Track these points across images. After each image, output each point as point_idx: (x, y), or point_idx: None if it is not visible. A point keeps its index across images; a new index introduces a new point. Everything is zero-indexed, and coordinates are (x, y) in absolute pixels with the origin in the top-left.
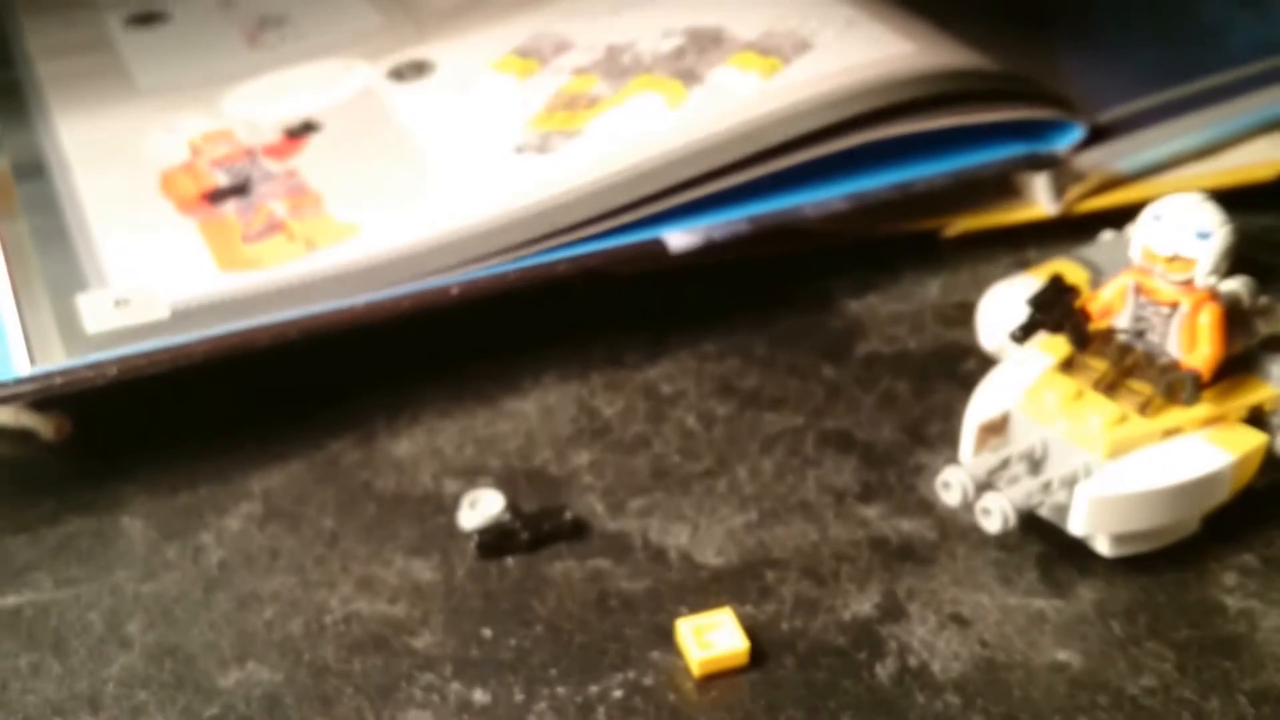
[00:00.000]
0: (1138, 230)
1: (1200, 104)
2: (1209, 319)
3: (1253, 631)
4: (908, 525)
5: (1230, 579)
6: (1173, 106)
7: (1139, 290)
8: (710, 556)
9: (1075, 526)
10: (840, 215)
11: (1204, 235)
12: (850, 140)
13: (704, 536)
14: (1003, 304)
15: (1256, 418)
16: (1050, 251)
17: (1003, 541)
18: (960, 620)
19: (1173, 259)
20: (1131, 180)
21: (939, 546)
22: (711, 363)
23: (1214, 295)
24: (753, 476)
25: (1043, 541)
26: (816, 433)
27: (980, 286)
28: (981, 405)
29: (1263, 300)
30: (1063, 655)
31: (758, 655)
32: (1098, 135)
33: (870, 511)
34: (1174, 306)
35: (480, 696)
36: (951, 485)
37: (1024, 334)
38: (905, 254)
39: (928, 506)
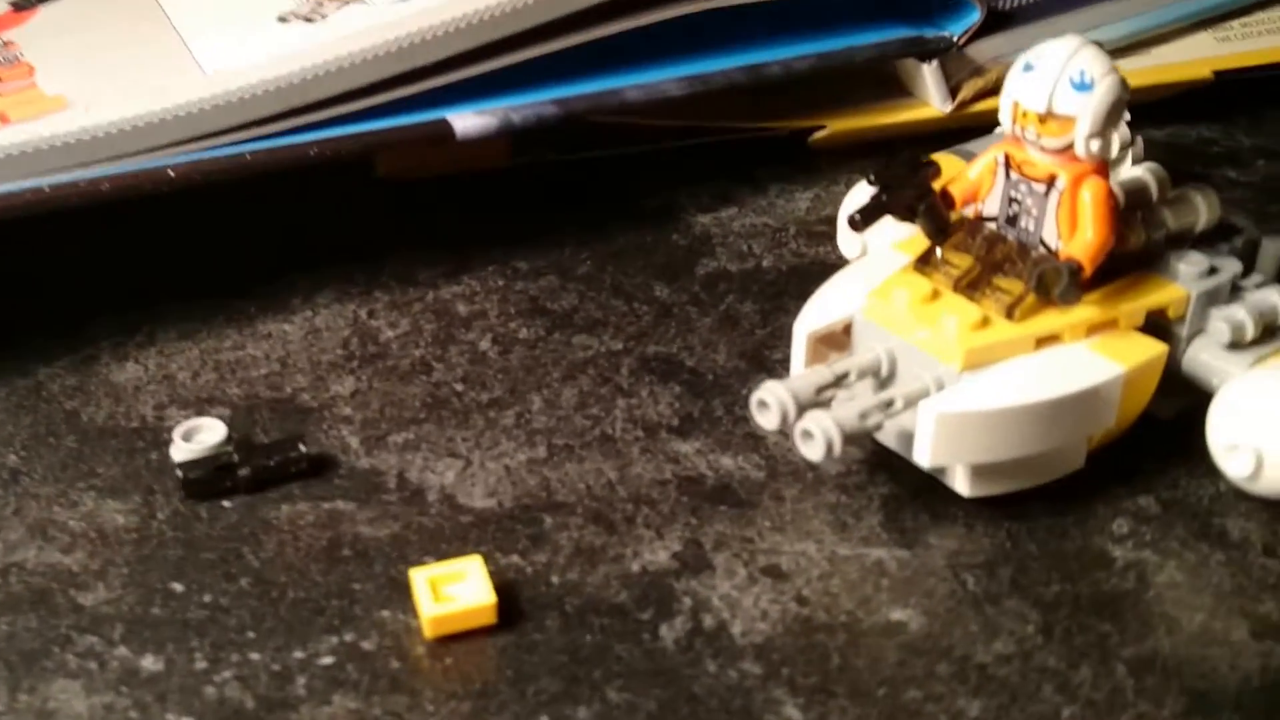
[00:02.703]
0: (1006, 83)
1: None
2: (1092, 195)
3: (1141, 588)
4: (729, 462)
5: (1121, 525)
6: None
7: (1009, 164)
8: (478, 498)
9: (920, 455)
10: (677, 104)
11: (1083, 87)
12: (675, 9)
13: (475, 475)
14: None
15: (1157, 325)
16: None
17: (843, 481)
18: (776, 573)
19: (1046, 117)
20: None
21: (764, 487)
22: (523, 281)
23: (1100, 168)
24: (549, 407)
25: (894, 481)
26: (635, 359)
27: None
28: (816, 311)
29: (1174, 192)
30: (899, 615)
31: (513, 613)
32: (999, 21)
33: (686, 447)
34: (1050, 182)
35: (150, 663)
36: (768, 404)
37: (865, 218)
38: (771, 162)
39: (756, 441)
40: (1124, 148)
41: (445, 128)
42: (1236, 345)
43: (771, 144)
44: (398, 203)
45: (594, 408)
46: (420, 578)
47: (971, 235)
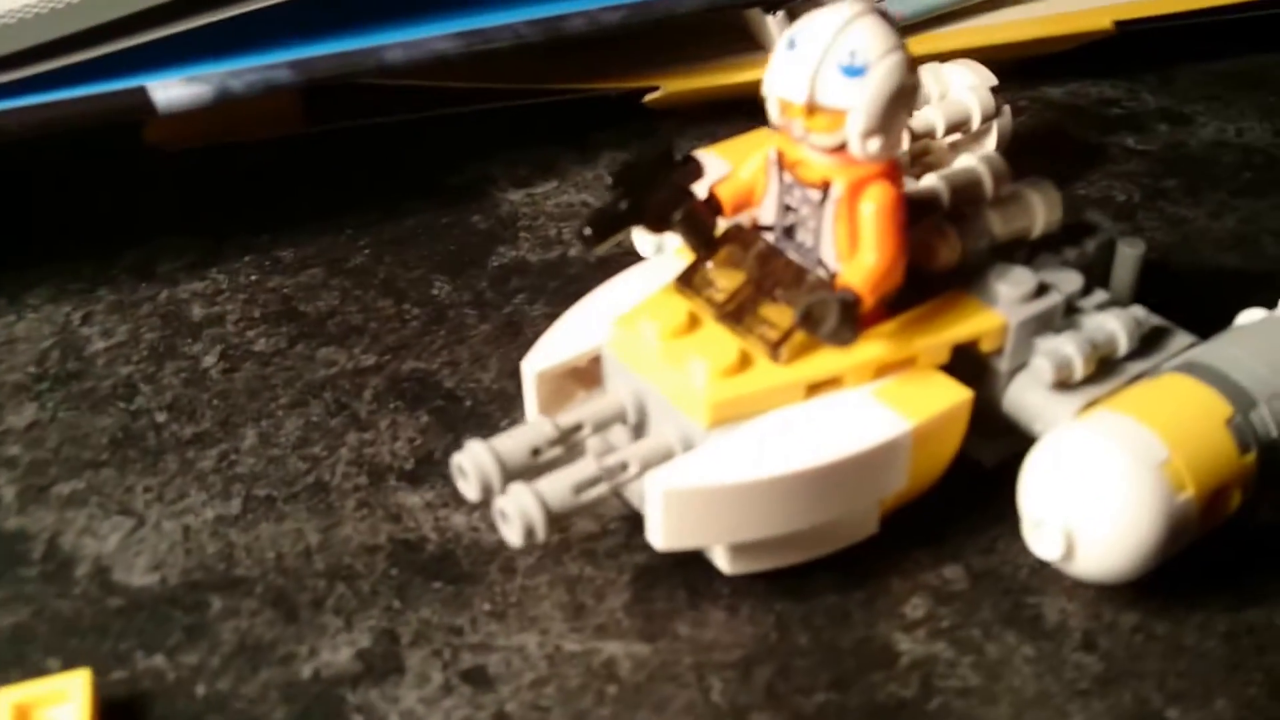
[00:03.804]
0: (770, 63)
1: None
2: (875, 208)
3: (924, 697)
4: (461, 521)
5: (917, 607)
6: None
7: (782, 164)
8: (138, 573)
9: (653, 535)
10: (454, 63)
11: (853, 71)
12: None
13: (143, 541)
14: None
15: (970, 360)
16: None
17: (593, 546)
18: (480, 679)
19: (812, 110)
20: (910, 30)
21: (494, 555)
22: (280, 275)
23: (888, 170)
24: (262, 445)
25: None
26: (386, 379)
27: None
28: (552, 344)
29: (1008, 188)
30: None
31: None
32: None
33: (415, 499)
34: (825, 189)
35: None
36: (466, 471)
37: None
38: (607, 125)
39: None
40: (988, 119)
41: (142, 98)
42: (1065, 385)
43: (603, 105)
44: (158, 176)
45: (317, 445)
46: (6, 701)
47: (744, 248)
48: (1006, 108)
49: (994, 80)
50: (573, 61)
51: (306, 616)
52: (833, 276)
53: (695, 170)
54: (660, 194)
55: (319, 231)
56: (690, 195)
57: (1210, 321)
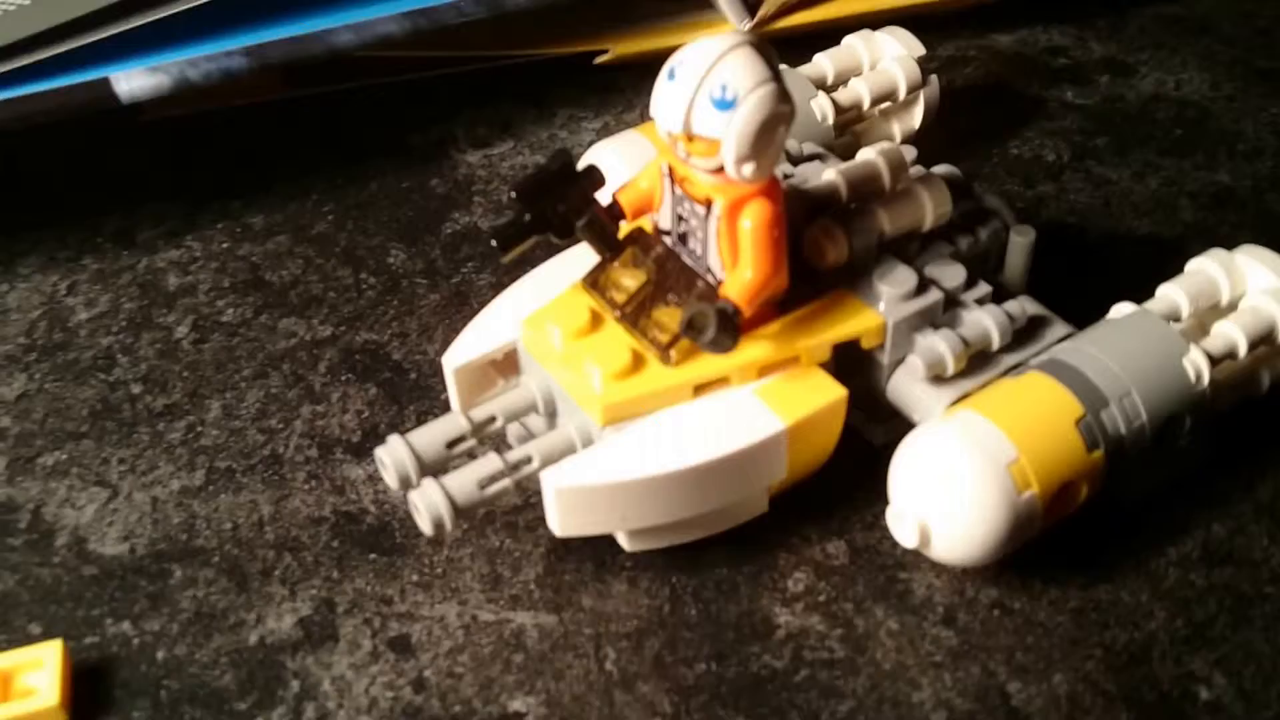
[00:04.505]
0: (654, 90)
1: None
2: (751, 225)
3: (792, 669)
4: (399, 493)
5: (798, 581)
6: None
7: (673, 177)
8: (110, 542)
9: (552, 524)
10: (400, 42)
11: (724, 105)
12: None
13: (117, 511)
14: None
15: (855, 356)
16: None
17: (514, 519)
18: (403, 646)
19: (690, 138)
20: None
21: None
22: (250, 243)
23: (767, 188)
24: (225, 417)
25: None
26: (340, 350)
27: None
28: (470, 340)
29: (914, 171)
30: (518, 705)
31: (101, 700)
32: None
33: (359, 471)
34: (709, 205)
35: None
36: (386, 464)
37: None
38: (566, 83)
39: None
40: (914, 89)
41: (105, 90)
42: (939, 378)
43: (567, 61)
44: (141, 140)
45: (274, 417)
46: None
47: (645, 251)
48: (933, 78)
49: (921, 50)
50: (526, 26)
51: (256, 585)
52: (719, 284)
53: (596, 179)
54: (563, 204)
55: (289, 196)
56: (593, 203)
57: (1116, 295)
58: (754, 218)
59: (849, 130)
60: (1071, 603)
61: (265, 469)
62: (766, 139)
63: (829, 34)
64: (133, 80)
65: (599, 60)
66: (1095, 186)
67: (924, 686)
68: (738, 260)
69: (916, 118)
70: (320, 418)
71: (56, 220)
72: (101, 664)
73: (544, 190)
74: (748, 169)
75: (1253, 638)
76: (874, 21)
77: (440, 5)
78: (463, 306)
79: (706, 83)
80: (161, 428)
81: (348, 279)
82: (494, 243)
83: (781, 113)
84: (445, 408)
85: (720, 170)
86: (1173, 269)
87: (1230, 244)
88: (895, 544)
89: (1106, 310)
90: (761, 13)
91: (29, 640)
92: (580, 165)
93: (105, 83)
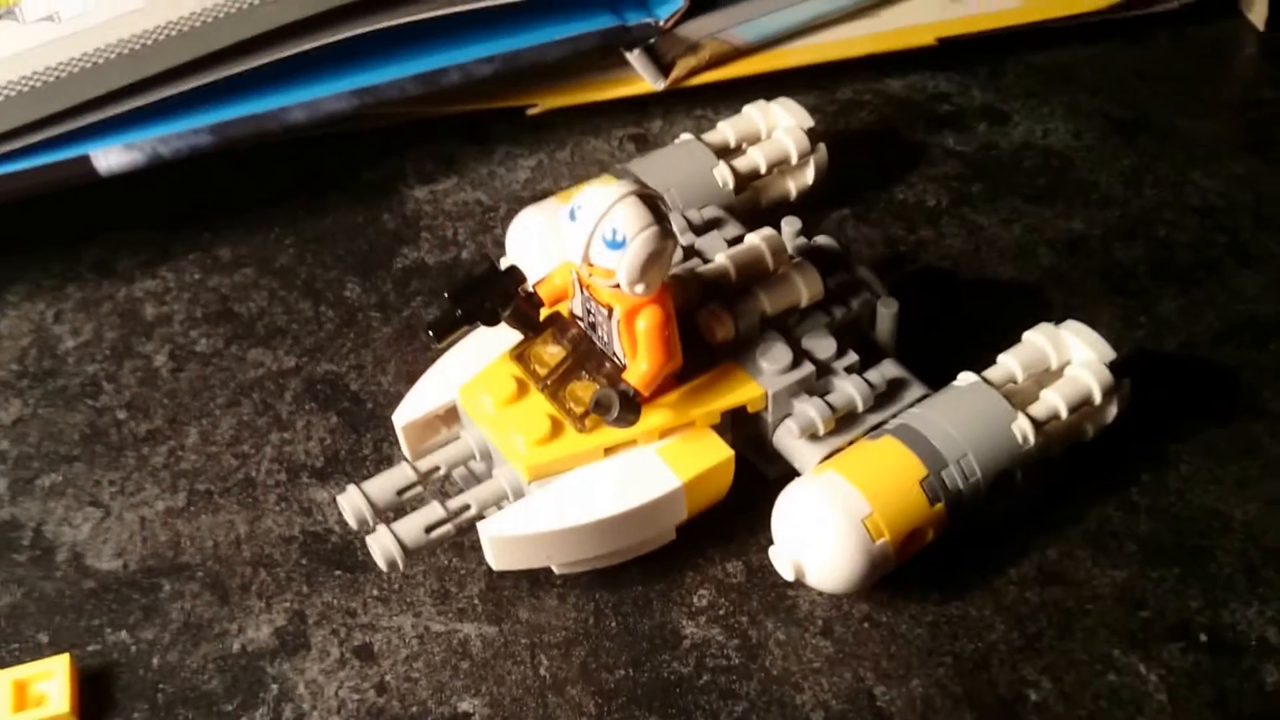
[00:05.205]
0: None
1: None
2: (646, 327)
3: (696, 675)
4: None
5: (702, 597)
6: None
7: (581, 283)
8: (106, 558)
9: (489, 562)
10: (347, 118)
11: (615, 245)
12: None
13: (110, 530)
14: (528, 237)
15: (743, 418)
16: (674, 122)
17: (461, 540)
18: (367, 654)
19: (592, 265)
20: (758, 49)
21: None
22: (219, 275)
23: (658, 296)
24: (203, 442)
25: None
26: (303, 380)
27: (586, 164)
28: (415, 399)
29: (798, 243)
30: (466, 705)
31: (104, 705)
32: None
33: (323, 494)
34: (610, 310)
35: None
36: (346, 510)
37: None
38: (505, 120)
39: None
40: (804, 156)
41: (86, 166)
42: (813, 437)
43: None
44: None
45: (246, 443)
46: (6, 679)
47: (562, 332)
48: (821, 145)
49: (810, 122)
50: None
51: (236, 599)
52: (623, 366)
53: (517, 276)
54: (489, 301)
55: (253, 229)
56: (515, 296)
57: (978, 340)
58: (647, 321)
59: (750, 185)
60: (928, 616)
61: (240, 491)
62: (651, 268)
63: (735, 87)
64: (110, 157)
65: (530, 112)
66: (968, 232)
67: (805, 690)
68: (636, 354)
69: (809, 176)
70: (288, 444)
71: (37, 247)
72: (104, 670)
73: (473, 290)
74: (639, 288)
75: (1074, 647)
76: (775, 78)
77: (383, 84)
78: (413, 340)
79: (600, 227)
80: (146, 452)
81: (308, 311)
82: (430, 333)
83: (663, 247)
84: (394, 439)
85: (618, 285)
86: (1028, 317)
87: (1079, 290)
88: None
89: (969, 358)
90: (674, 75)
91: (38, 647)
92: (503, 264)
93: (86, 160)
